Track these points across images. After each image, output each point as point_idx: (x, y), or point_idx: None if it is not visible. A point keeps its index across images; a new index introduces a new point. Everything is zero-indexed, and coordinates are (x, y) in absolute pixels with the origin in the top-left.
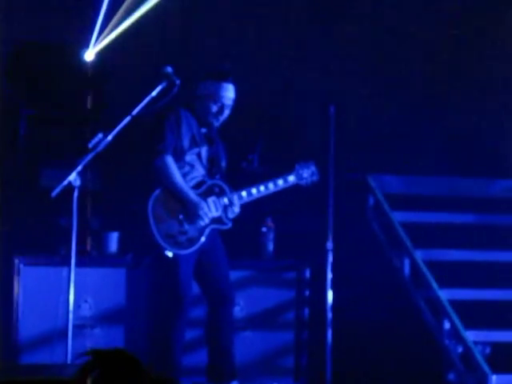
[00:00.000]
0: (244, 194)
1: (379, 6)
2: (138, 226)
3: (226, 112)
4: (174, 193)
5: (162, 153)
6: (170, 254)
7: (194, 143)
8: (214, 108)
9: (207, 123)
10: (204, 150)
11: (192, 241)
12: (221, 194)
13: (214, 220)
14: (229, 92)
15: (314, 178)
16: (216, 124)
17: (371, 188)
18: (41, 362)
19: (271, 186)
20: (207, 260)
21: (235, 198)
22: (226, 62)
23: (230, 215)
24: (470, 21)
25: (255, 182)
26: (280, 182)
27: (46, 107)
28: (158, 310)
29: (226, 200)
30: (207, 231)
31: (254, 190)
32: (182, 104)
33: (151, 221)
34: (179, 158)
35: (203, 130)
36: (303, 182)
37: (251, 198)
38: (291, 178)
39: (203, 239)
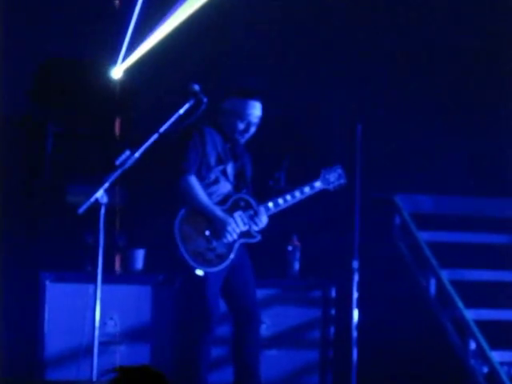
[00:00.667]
0: (271, 204)
1: (407, 26)
2: (165, 244)
3: (252, 129)
4: (199, 211)
5: (186, 172)
6: (200, 272)
7: (220, 160)
8: (241, 126)
9: (233, 139)
10: (230, 167)
11: (221, 257)
12: (247, 207)
13: (243, 234)
14: (255, 110)
15: (342, 181)
16: (242, 141)
17: (398, 207)
18: (67, 378)
19: (298, 194)
20: (235, 277)
21: (262, 209)
22: (253, 79)
23: (258, 228)
24: (499, 42)
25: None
26: (306, 189)
27: (73, 124)
28: (185, 327)
29: (252, 213)
30: (236, 246)
31: (280, 200)
32: (207, 121)
33: (179, 240)
34: (205, 176)
35: (228, 146)
36: (330, 187)
37: (278, 209)
38: (317, 184)
39: (233, 255)
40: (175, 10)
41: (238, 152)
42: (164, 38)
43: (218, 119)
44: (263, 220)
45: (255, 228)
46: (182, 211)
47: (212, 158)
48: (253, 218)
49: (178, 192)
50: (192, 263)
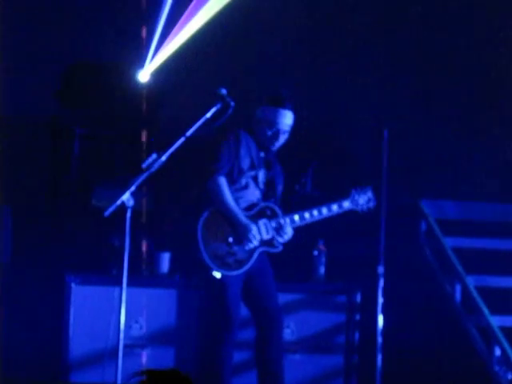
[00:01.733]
0: (296, 217)
1: (433, 30)
2: (188, 246)
3: (283, 138)
4: (224, 214)
5: (216, 173)
6: (217, 274)
7: (252, 166)
8: (269, 133)
9: (264, 147)
10: (261, 174)
11: (241, 263)
12: (272, 216)
13: (264, 242)
14: (285, 118)
15: (371, 204)
16: (273, 149)
17: (424, 213)
18: (91, 381)
19: (325, 210)
20: (256, 283)
21: (287, 221)
22: (285, 87)
23: (282, 239)
24: None
25: (307, 205)
26: (334, 207)
27: (100, 127)
28: (207, 331)
29: (277, 223)
30: (256, 254)
31: (306, 215)
32: (243, 126)
33: (200, 242)
34: (236, 179)
35: (262, 154)
36: (359, 209)
37: (304, 222)
38: (346, 204)
39: (252, 262)
40: (200, 11)
41: (271, 161)
42: (190, 40)
43: (252, 126)
44: (288, 232)
45: (281, 240)
46: (206, 213)
47: (245, 162)
48: (279, 230)
49: (205, 192)
50: (210, 265)
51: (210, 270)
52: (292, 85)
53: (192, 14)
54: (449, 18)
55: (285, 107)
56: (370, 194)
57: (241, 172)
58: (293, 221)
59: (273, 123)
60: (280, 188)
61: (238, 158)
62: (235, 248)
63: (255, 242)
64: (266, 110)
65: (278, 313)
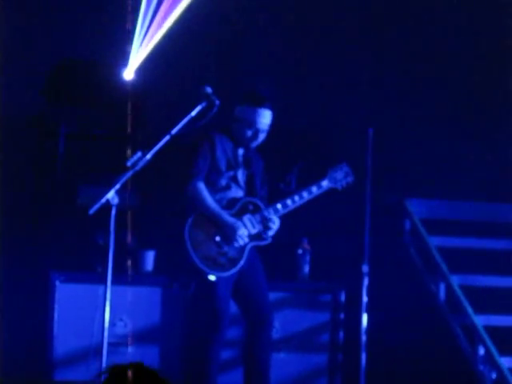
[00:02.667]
0: (279, 206)
1: (419, 30)
2: (174, 246)
3: (261, 136)
4: (208, 217)
5: (193, 178)
6: (212, 277)
7: (230, 166)
8: (249, 133)
9: (242, 145)
10: (240, 173)
11: (233, 261)
12: (255, 210)
13: (253, 237)
14: (264, 118)
15: (349, 179)
16: (251, 147)
17: (408, 212)
18: (75, 379)
19: (305, 194)
20: (247, 281)
21: (271, 211)
22: (263, 86)
23: (271, 231)
24: None
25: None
26: (314, 188)
27: (85, 125)
28: (195, 330)
29: (261, 216)
30: (247, 250)
31: (288, 202)
32: (219, 128)
33: (189, 248)
34: (215, 182)
35: (240, 152)
36: (338, 185)
37: (287, 210)
38: (325, 183)
39: (244, 258)
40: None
41: (249, 159)
42: (174, 38)
43: (229, 125)
44: (275, 222)
45: (270, 232)
46: (191, 218)
47: (222, 164)
48: (264, 222)
49: (186, 197)
50: (204, 268)
51: (204, 275)
52: (278, 83)
53: (172, 9)
54: (437, 17)
55: (264, 106)
56: (346, 169)
57: (219, 173)
58: (276, 210)
59: (252, 123)
60: (260, 182)
61: (215, 160)
62: (226, 248)
63: (245, 239)
64: (245, 110)
65: (268, 312)
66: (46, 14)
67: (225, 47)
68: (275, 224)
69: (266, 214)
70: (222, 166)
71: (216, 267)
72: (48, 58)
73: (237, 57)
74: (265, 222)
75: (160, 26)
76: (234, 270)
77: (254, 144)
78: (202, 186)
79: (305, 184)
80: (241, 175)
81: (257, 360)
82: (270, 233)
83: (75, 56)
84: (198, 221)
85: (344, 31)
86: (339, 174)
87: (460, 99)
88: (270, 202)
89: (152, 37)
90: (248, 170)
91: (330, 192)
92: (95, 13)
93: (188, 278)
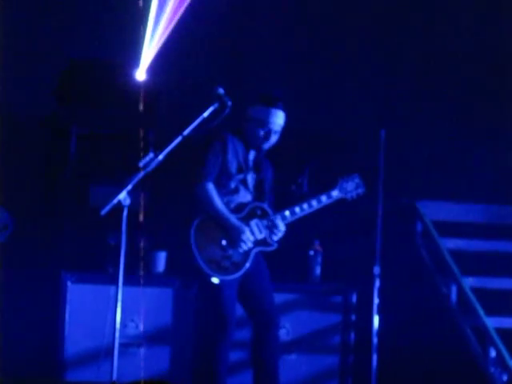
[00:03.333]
0: (287, 213)
1: (431, 31)
2: (184, 248)
3: (274, 138)
4: (215, 219)
5: (203, 179)
6: (215, 280)
7: (240, 169)
8: (261, 133)
9: (255, 147)
10: (250, 177)
11: (237, 265)
12: (263, 215)
13: (259, 242)
14: (277, 118)
15: (360, 190)
16: (263, 148)
17: (420, 214)
18: (86, 379)
19: (314, 203)
20: (251, 283)
21: (278, 218)
22: (277, 87)
23: (276, 236)
24: None
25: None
26: (323, 198)
27: (97, 126)
28: (202, 332)
29: (269, 221)
30: (252, 255)
31: (297, 209)
32: (231, 128)
33: (194, 249)
34: (225, 184)
35: (251, 154)
36: (348, 196)
37: (295, 217)
38: (335, 193)
39: (248, 263)
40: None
41: (259, 163)
42: (186, 38)
43: (241, 126)
44: (282, 229)
45: (275, 238)
46: (197, 220)
47: (233, 167)
48: (271, 228)
49: (194, 198)
50: (208, 271)
51: (208, 277)
52: (289, 85)
53: (181, 9)
54: (450, 18)
55: (277, 107)
56: (357, 180)
57: (229, 176)
58: (284, 217)
59: (265, 123)
60: (269, 187)
61: (226, 162)
62: (230, 251)
63: (249, 244)
64: (258, 110)
65: (274, 314)
66: (58, 14)
67: (237, 49)
68: (281, 231)
69: (273, 219)
70: (233, 168)
71: (220, 270)
72: (60, 58)
73: (249, 58)
74: (271, 228)
75: (169, 25)
76: (237, 275)
77: (267, 145)
78: (211, 186)
79: (316, 189)
80: (250, 179)
81: (265, 362)
82: (275, 238)
83: (87, 56)
84: (205, 223)
85: (356, 33)
86: (350, 185)
87: (473, 101)
88: (282, 205)
89: (162, 36)
90: (258, 175)
91: (339, 201)
92: (107, 13)
93: (190, 278)
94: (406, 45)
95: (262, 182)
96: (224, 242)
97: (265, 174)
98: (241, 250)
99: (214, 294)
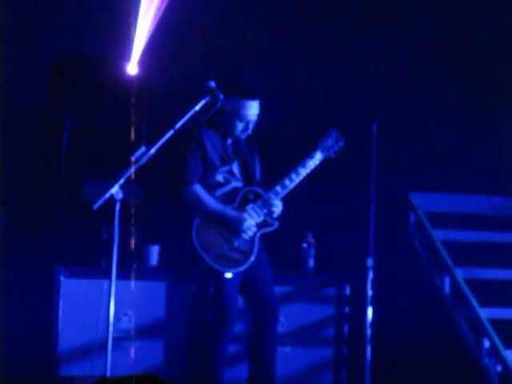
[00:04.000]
0: (279, 188)
1: (423, 25)
2: (178, 240)
3: (251, 127)
4: (212, 216)
5: (188, 184)
6: (229, 275)
7: (223, 161)
8: (240, 125)
9: (232, 138)
10: (235, 166)
11: (247, 253)
12: (256, 198)
13: (260, 225)
14: (254, 109)
15: (341, 143)
16: (242, 138)
17: (413, 206)
18: (80, 374)
19: (301, 169)
20: (253, 275)
21: (271, 195)
22: (249, 74)
23: (274, 214)
24: None
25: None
26: (308, 161)
27: (89, 120)
28: (202, 324)
29: (263, 202)
30: (257, 239)
31: (286, 181)
32: (203, 122)
33: (200, 250)
34: (212, 178)
35: (228, 143)
36: (331, 153)
37: (288, 189)
38: (318, 155)
39: (256, 248)
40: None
41: (239, 149)
42: (178, 32)
43: (217, 117)
44: (278, 205)
45: (274, 215)
46: (196, 221)
47: (215, 159)
48: (267, 207)
49: (185, 202)
50: (219, 268)
51: (221, 274)
52: (282, 78)
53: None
54: (442, 11)
55: (253, 98)
56: (335, 134)
57: (214, 169)
58: (276, 193)
59: (243, 115)
60: (258, 170)
61: (207, 157)
62: (236, 243)
63: (253, 229)
64: (234, 103)
65: (274, 307)
66: (49, 9)
67: (228, 43)
68: (278, 207)
69: (267, 199)
70: (216, 161)
71: (230, 264)
72: (52, 52)
73: (240, 52)
74: (268, 208)
75: (160, 18)
76: (248, 263)
77: (244, 135)
78: (197, 188)
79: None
80: (236, 168)
81: (262, 353)
82: (274, 215)
83: (79, 50)
84: (204, 222)
85: (349, 27)
86: (330, 142)
87: (464, 94)
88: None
89: (153, 30)
90: (240, 160)
91: (325, 162)
92: (99, 7)
93: (188, 267)
94: (399, 37)
95: (246, 165)
96: (227, 235)
97: (246, 156)
98: (246, 237)
99: (216, 289)
